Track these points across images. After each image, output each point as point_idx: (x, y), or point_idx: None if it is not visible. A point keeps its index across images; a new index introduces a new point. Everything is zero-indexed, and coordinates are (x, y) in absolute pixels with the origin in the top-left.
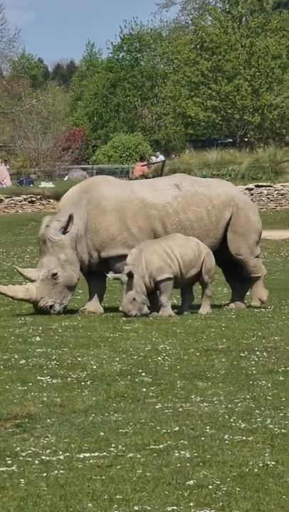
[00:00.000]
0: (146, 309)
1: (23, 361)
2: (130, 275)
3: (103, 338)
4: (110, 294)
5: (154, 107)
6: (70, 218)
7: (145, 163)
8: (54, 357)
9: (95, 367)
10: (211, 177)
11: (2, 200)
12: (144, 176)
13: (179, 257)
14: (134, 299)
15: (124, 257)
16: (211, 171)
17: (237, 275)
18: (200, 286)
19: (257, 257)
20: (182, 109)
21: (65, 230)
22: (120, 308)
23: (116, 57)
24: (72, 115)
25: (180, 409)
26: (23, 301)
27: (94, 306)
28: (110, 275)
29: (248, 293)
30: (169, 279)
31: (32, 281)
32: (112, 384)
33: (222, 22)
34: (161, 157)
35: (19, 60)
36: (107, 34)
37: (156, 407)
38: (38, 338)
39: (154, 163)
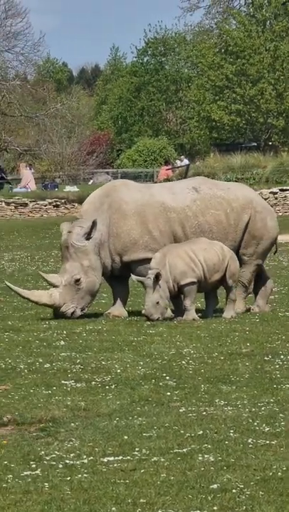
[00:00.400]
0: (169, 313)
1: (47, 365)
2: (157, 277)
3: (127, 341)
4: (134, 297)
5: (179, 111)
6: (94, 224)
7: (170, 167)
8: (78, 361)
9: (119, 371)
10: (236, 181)
11: (27, 204)
12: (168, 180)
13: (202, 262)
14: (157, 302)
15: (146, 260)
16: (235, 174)
17: (260, 278)
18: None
19: (257, 267)
20: (206, 113)
21: (88, 236)
22: (143, 312)
23: (140, 61)
24: (96, 119)
25: (204, 413)
26: (46, 306)
27: (118, 310)
28: (134, 277)
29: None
30: (192, 283)
31: (55, 286)
32: (136, 388)
33: (246, 26)
34: (186, 161)
35: (44, 64)
36: (131, 38)
37: (180, 410)
38: (62, 342)
39: (178, 167)
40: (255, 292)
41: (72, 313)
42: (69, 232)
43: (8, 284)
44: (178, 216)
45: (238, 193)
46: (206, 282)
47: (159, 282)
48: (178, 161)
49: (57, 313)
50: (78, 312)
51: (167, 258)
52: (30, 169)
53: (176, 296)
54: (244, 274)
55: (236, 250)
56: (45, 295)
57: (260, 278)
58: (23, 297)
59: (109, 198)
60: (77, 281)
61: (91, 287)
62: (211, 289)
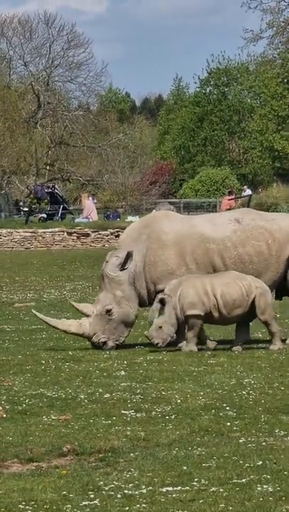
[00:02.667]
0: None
1: (107, 395)
2: (162, 302)
3: (188, 372)
4: None
5: (241, 141)
6: (129, 255)
7: (232, 196)
8: (138, 391)
9: (179, 401)
10: None
11: (89, 234)
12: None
13: (219, 296)
14: (160, 327)
15: None
16: None
17: None
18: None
19: None
20: (269, 142)
21: (123, 267)
22: (145, 333)
23: (203, 91)
24: (159, 149)
25: (263, 443)
26: (76, 336)
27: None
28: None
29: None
30: (198, 316)
31: (87, 316)
32: (196, 418)
33: None
34: (249, 191)
35: (106, 94)
36: (194, 68)
37: (240, 441)
38: (122, 372)
39: (241, 197)
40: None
41: (104, 343)
42: (106, 262)
43: (36, 312)
44: (217, 247)
45: (282, 223)
46: (222, 317)
47: (165, 308)
48: (242, 192)
49: (91, 343)
50: (110, 343)
51: (182, 286)
52: (94, 199)
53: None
54: None
55: (279, 282)
56: (74, 324)
57: None
58: (52, 326)
59: (149, 229)
60: (109, 311)
61: (124, 318)
62: (232, 323)
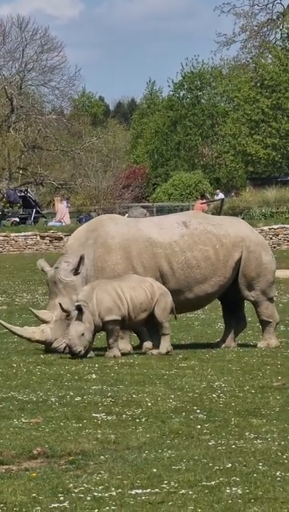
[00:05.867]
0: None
1: (78, 398)
2: (79, 309)
3: (159, 375)
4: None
5: (215, 145)
6: (81, 259)
7: (205, 201)
8: (109, 394)
9: (150, 404)
10: (271, 215)
11: (62, 238)
12: None
13: (129, 300)
14: (82, 334)
15: None
16: (270, 208)
17: (235, 315)
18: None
19: (271, 300)
20: (242, 147)
21: (76, 271)
22: (67, 342)
23: (177, 95)
24: (132, 153)
25: (233, 446)
26: (39, 343)
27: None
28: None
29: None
30: (115, 321)
31: (46, 322)
32: (167, 421)
33: (282, 60)
34: (221, 195)
35: (80, 98)
36: (167, 72)
37: (210, 443)
38: (94, 376)
39: (213, 201)
40: (227, 327)
41: (65, 348)
42: (56, 267)
43: (1, 321)
44: (164, 252)
45: (229, 229)
46: (130, 321)
47: (84, 314)
48: (215, 196)
49: (48, 349)
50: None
51: (95, 292)
52: (68, 203)
53: (100, 330)
54: (263, 312)
55: (226, 286)
56: (37, 331)
57: (235, 314)
58: (16, 334)
59: (95, 233)
60: (68, 316)
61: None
62: (136, 327)
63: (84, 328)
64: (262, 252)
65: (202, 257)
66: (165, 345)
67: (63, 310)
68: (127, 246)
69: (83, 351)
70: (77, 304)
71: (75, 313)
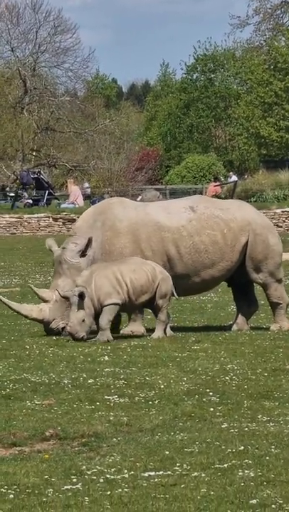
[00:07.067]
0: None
1: (91, 380)
2: (81, 296)
3: (172, 357)
4: (180, 314)
5: (228, 128)
6: (89, 242)
7: (218, 183)
8: (122, 376)
9: (162, 386)
10: (284, 198)
11: (74, 219)
12: (216, 197)
13: (129, 283)
14: (83, 320)
15: None
16: (283, 191)
17: (246, 298)
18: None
19: (279, 281)
20: (255, 129)
21: (83, 253)
22: (68, 329)
23: (190, 77)
24: (146, 135)
25: (246, 428)
26: (36, 321)
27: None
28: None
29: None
30: (115, 304)
31: (46, 301)
32: (179, 403)
33: None
34: (234, 177)
35: (93, 80)
36: (181, 55)
37: (223, 426)
38: (106, 358)
39: (226, 184)
40: (238, 309)
41: (63, 329)
42: (63, 248)
43: (0, 297)
44: (172, 236)
45: (236, 213)
46: (131, 303)
47: (84, 300)
48: (229, 178)
49: (46, 328)
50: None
51: (94, 277)
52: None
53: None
54: (272, 294)
55: (233, 270)
56: (35, 309)
57: (247, 297)
58: (14, 310)
59: (103, 216)
60: (68, 300)
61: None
62: (137, 309)
63: (83, 314)
64: (268, 234)
65: (210, 241)
66: (159, 332)
67: (61, 296)
68: (136, 229)
69: (86, 336)
70: (77, 289)
71: (75, 299)
